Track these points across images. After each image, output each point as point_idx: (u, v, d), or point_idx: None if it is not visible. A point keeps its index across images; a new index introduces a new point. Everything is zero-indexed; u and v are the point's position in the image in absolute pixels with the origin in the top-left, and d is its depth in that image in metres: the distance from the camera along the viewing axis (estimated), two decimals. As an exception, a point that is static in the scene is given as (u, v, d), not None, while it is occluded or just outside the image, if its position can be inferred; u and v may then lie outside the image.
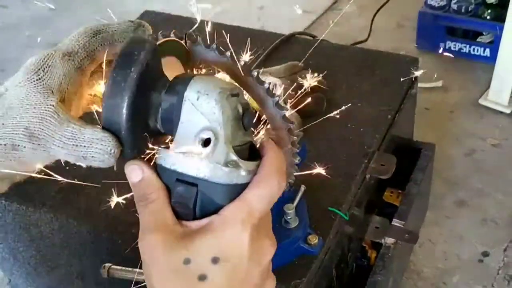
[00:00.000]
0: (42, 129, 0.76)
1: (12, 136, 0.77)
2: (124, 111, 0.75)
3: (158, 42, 0.81)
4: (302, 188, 1.48)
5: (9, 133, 0.77)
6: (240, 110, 0.78)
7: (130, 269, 1.36)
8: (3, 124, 0.77)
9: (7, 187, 0.84)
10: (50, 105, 0.77)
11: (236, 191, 0.77)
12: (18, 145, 0.77)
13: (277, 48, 2.18)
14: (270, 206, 0.79)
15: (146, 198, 0.78)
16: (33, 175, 0.82)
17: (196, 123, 0.76)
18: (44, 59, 0.81)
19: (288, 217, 1.43)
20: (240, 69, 0.82)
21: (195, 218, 0.78)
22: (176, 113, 0.77)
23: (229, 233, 0.75)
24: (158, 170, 0.79)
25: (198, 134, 0.76)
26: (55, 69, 0.81)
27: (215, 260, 0.74)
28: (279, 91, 1.68)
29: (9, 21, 4.40)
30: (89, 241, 1.60)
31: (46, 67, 0.80)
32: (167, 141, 0.83)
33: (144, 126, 0.80)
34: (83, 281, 1.77)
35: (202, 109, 0.76)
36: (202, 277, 0.74)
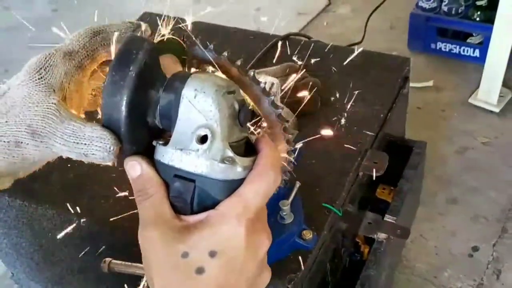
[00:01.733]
0: (44, 127, 0.77)
1: (15, 134, 0.77)
2: (123, 108, 0.75)
3: (156, 41, 0.82)
4: (297, 184, 1.48)
5: (12, 130, 0.77)
6: (237, 107, 0.78)
7: (130, 263, 1.36)
8: (6, 122, 0.77)
9: (10, 184, 0.84)
10: (52, 103, 0.78)
11: (233, 186, 0.77)
12: (21, 142, 0.77)
13: (273, 49, 2.17)
14: (266, 201, 0.79)
15: (145, 193, 0.78)
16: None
17: (193, 120, 0.76)
18: (45, 58, 0.81)
19: (284, 213, 1.43)
20: (237, 69, 0.82)
21: (192, 212, 0.78)
22: (174, 110, 0.77)
23: (226, 227, 0.75)
24: (157, 165, 0.79)
25: (195, 131, 0.76)
26: (56, 68, 0.81)
27: (212, 254, 0.74)
28: (277, 90, 1.70)
29: (11, 23, 4.40)
30: (90, 236, 1.60)
31: (47, 66, 0.80)
32: (165, 137, 0.82)
33: (143, 123, 0.80)
34: (84, 275, 1.77)
35: (199, 107, 0.76)
36: (200, 270, 0.74)
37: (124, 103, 0.75)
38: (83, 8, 4.41)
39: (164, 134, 0.82)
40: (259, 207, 0.78)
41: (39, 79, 0.79)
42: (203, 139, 0.76)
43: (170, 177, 0.78)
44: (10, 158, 0.78)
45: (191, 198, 0.77)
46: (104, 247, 1.54)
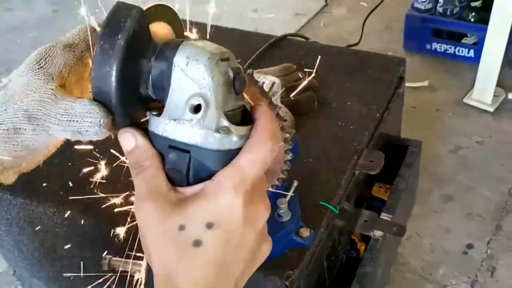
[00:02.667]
0: (40, 110, 0.76)
1: (13, 120, 0.76)
2: (113, 79, 0.73)
3: (145, 8, 0.78)
4: (295, 183, 1.48)
5: (10, 117, 0.76)
6: (231, 75, 0.76)
7: (129, 260, 1.36)
8: (5, 110, 0.77)
9: (14, 178, 0.84)
10: (50, 88, 0.77)
11: (229, 156, 0.75)
12: (19, 128, 0.76)
13: (271, 49, 2.18)
14: (263, 171, 0.78)
15: (140, 165, 0.77)
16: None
17: (186, 89, 0.74)
18: (45, 50, 0.81)
19: (281, 211, 1.43)
20: None
21: (188, 184, 0.76)
22: (167, 79, 0.75)
23: (223, 198, 0.73)
24: (151, 137, 0.77)
25: (188, 101, 0.74)
26: (56, 59, 0.80)
27: (209, 226, 0.73)
28: (277, 89, 1.70)
29: (13, 23, 4.40)
30: (90, 234, 1.60)
31: (47, 57, 0.80)
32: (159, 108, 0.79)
33: (136, 93, 0.78)
34: (85, 272, 1.77)
35: (191, 75, 0.74)
36: (197, 243, 0.73)
37: (113, 73, 0.73)
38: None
39: (157, 104, 0.79)
40: (257, 177, 0.76)
41: (38, 68, 0.79)
42: (196, 109, 0.73)
43: (164, 148, 0.76)
44: (11, 146, 0.77)
45: (187, 170, 0.75)
46: (104, 244, 1.54)
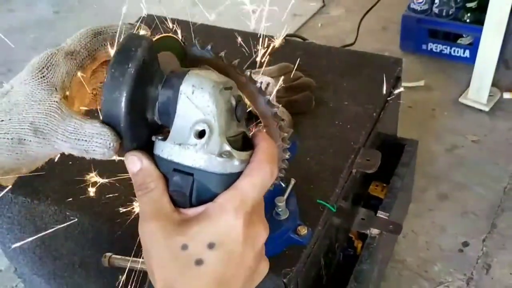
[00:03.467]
0: (47, 124, 0.76)
1: (18, 131, 0.77)
2: (123, 104, 0.75)
3: (154, 39, 0.81)
4: (292, 181, 1.48)
5: (16, 128, 0.77)
6: (233, 103, 0.78)
7: (129, 258, 1.36)
8: (9, 119, 0.77)
9: (14, 180, 0.84)
10: (54, 101, 0.78)
11: (230, 179, 0.77)
12: (24, 139, 0.77)
13: (269, 50, 2.17)
14: (263, 194, 0.79)
15: (145, 187, 0.78)
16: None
17: (191, 116, 0.76)
18: (47, 58, 0.81)
19: (279, 209, 1.43)
20: (234, 69, 0.82)
21: (191, 205, 0.78)
22: (172, 106, 0.77)
23: (224, 219, 0.75)
24: (156, 160, 0.79)
25: (193, 126, 0.76)
26: (58, 68, 0.81)
27: (211, 246, 0.74)
28: (272, 90, 1.69)
29: (15, 24, 4.40)
30: (90, 232, 1.60)
31: (49, 65, 0.80)
32: (164, 132, 0.82)
33: (143, 119, 0.79)
34: (85, 270, 1.77)
35: (197, 103, 0.75)
36: (199, 262, 0.74)
37: (123, 99, 0.74)
38: (84, 10, 4.43)
39: (163, 129, 0.81)
40: (256, 199, 0.77)
41: (41, 78, 0.79)
42: (201, 134, 0.75)
43: (169, 171, 0.78)
44: (14, 155, 0.78)
45: (190, 192, 0.77)
46: (104, 242, 1.54)
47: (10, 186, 0.85)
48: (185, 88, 0.76)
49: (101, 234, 1.57)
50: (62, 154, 0.82)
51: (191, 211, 0.77)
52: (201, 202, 0.77)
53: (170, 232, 0.75)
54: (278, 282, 1.37)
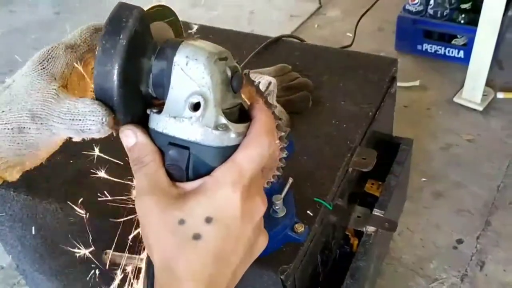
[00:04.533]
0: (43, 109, 0.76)
1: (17, 120, 0.77)
2: (115, 77, 0.73)
3: (146, 9, 0.78)
4: (290, 180, 1.48)
5: (15, 117, 0.77)
6: (229, 74, 0.77)
7: (130, 255, 1.36)
8: (9, 109, 0.77)
9: (18, 175, 0.84)
10: (52, 89, 0.78)
11: (227, 153, 0.76)
12: (24, 127, 0.77)
13: (266, 50, 2.17)
14: (261, 166, 0.78)
15: (141, 161, 0.77)
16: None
17: (186, 88, 0.75)
18: (48, 51, 0.81)
19: (276, 207, 1.43)
20: None
21: (188, 179, 0.77)
22: (167, 78, 0.76)
23: (221, 193, 0.74)
24: (151, 134, 0.78)
25: (188, 99, 0.74)
26: (58, 60, 0.81)
27: (208, 220, 0.73)
28: (273, 89, 1.70)
29: (17, 25, 4.40)
30: (91, 229, 1.60)
31: (50, 58, 0.80)
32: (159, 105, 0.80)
33: (136, 91, 0.78)
34: (86, 267, 1.77)
35: (191, 74, 0.74)
36: (197, 236, 0.73)
37: (115, 72, 0.73)
38: (85, 10, 4.43)
39: (158, 102, 0.80)
40: (254, 172, 0.77)
41: (41, 69, 0.79)
42: (196, 106, 0.74)
43: (165, 145, 0.77)
44: (16, 145, 0.78)
45: (186, 166, 0.76)
46: (104, 239, 1.54)
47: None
48: (179, 59, 0.75)
49: (101, 231, 1.57)
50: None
51: (187, 185, 0.76)
52: (198, 175, 0.76)
53: (166, 206, 0.74)
54: (275, 278, 1.37)
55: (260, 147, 0.77)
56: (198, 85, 0.74)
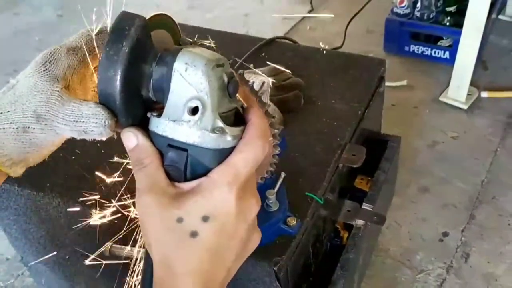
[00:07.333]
0: (48, 110, 0.77)
1: (22, 120, 0.77)
2: (118, 83, 0.74)
3: (148, 17, 0.80)
4: (282, 175, 1.48)
5: (20, 117, 0.77)
6: (226, 79, 0.78)
7: (129, 247, 1.36)
8: (14, 110, 0.78)
9: (22, 171, 0.85)
10: (56, 90, 0.78)
11: (223, 155, 0.77)
12: (28, 127, 0.78)
13: (260, 51, 2.17)
14: (255, 168, 0.79)
15: (141, 162, 0.78)
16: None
17: (185, 93, 0.76)
18: (50, 53, 0.82)
19: (270, 202, 1.43)
20: None
21: (186, 180, 0.78)
22: (166, 83, 0.77)
23: (217, 194, 0.75)
24: (151, 136, 0.79)
25: (187, 103, 0.75)
26: (60, 61, 0.81)
27: (205, 219, 0.75)
28: (267, 88, 1.70)
29: (21, 27, 4.39)
30: (92, 222, 1.60)
31: (52, 59, 0.81)
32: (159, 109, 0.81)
33: (138, 96, 0.79)
34: (87, 259, 1.77)
35: (190, 80, 0.75)
36: (194, 234, 0.74)
37: (118, 77, 0.74)
38: (86, 13, 4.42)
39: (157, 106, 0.81)
40: (249, 174, 0.78)
41: (44, 71, 0.80)
42: (194, 111, 0.75)
43: (164, 147, 0.78)
44: (20, 143, 0.79)
45: (184, 167, 0.77)
46: (105, 232, 1.54)
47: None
48: (179, 65, 0.76)
49: (103, 225, 1.57)
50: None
51: (185, 185, 0.77)
52: (195, 176, 0.77)
53: (165, 205, 0.75)
54: (268, 270, 1.38)
55: (254, 150, 0.78)
56: (197, 90, 0.75)
